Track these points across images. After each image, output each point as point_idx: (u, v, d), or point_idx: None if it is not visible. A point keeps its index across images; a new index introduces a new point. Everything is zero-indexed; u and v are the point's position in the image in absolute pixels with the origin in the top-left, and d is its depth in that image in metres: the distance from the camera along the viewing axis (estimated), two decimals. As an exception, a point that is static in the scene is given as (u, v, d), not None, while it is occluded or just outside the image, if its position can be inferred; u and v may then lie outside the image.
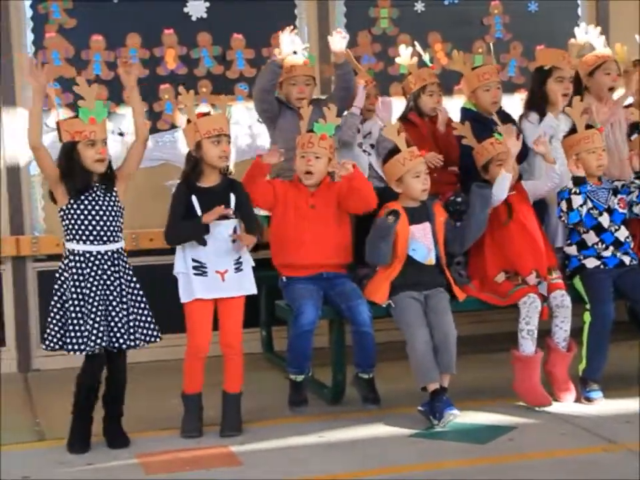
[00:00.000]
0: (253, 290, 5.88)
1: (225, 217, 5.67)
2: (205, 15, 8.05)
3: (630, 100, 7.41)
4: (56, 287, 5.54)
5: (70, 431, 5.59)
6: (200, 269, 5.72)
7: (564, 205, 6.41)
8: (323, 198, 6.17)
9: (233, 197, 5.80)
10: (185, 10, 8.01)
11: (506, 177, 6.27)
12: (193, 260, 5.72)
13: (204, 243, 5.64)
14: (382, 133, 6.87)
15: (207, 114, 5.99)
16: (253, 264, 5.91)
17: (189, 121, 5.89)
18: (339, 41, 6.87)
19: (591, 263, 6.49)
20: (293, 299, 6.08)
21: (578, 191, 6.35)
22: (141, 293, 5.65)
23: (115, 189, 5.57)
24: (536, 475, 5.02)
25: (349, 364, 6.25)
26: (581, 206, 6.34)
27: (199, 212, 5.68)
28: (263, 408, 6.21)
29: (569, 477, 4.96)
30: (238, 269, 5.78)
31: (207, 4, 8.04)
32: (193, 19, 8.05)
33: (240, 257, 5.79)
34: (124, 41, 7.89)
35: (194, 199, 5.73)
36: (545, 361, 6.35)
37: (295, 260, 6.13)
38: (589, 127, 6.56)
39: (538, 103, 6.97)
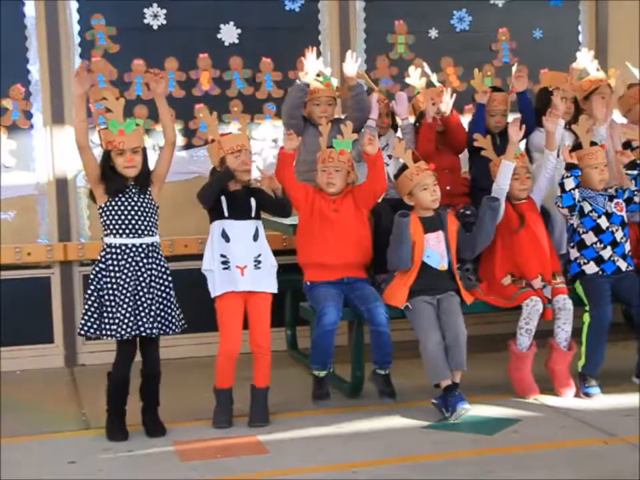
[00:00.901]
0: (272, 289, 5.91)
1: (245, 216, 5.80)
2: (236, 41, 8.05)
3: (624, 120, 7.39)
4: (92, 277, 5.58)
5: (107, 421, 5.63)
6: (226, 263, 5.75)
7: (558, 190, 6.41)
8: (344, 203, 6.18)
9: (253, 201, 5.87)
10: (219, 36, 8.02)
11: (507, 164, 6.29)
12: (221, 255, 5.76)
13: (231, 176, 5.75)
14: (401, 125, 6.97)
15: (229, 133, 6.05)
16: (275, 264, 5.94)
17: (212, 140, 5.95)
18: (351, 65, 6.88)
19: (591, 269, 6.47)
20: (316, 301, 6.07)
21: (569, 175, 6.35)
22: (170, 285, 5.66)
23: (149, 189, 5.62)
24: (539, 464, 5.01)
25: (367, 361, 6.24)
26: (573, 189, 6.33)
27: (225, 212, 5.78)
28: (288, 401, 6.20)
29: (570, 467, 4.94)
30: (257, 266, 5.81)
31: (239, 30, 8.04)
32: (226, 44, 8.05)
33: (260, 255, 5.82)
34: (163, 64, 7.85)
35: (223, 198, 5.78)
36: (547, 359, 6.36)
37: (320, 259, 6.12)
38: (592, 143, 6.55)
39: (542, 122, 6.93)
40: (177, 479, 4.93)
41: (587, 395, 6.26)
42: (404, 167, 6.21)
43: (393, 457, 5.20)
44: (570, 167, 6.40)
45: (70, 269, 7.72)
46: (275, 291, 5.93)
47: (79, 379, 7.25)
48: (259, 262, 5.82)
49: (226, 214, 5.79)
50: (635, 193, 6.53)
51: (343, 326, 6.34)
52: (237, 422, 5.83)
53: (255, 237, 5.85)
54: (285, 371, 6.76)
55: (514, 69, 7.40)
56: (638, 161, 6.52)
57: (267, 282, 5.86)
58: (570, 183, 6.35)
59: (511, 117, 6.99)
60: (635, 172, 6.50)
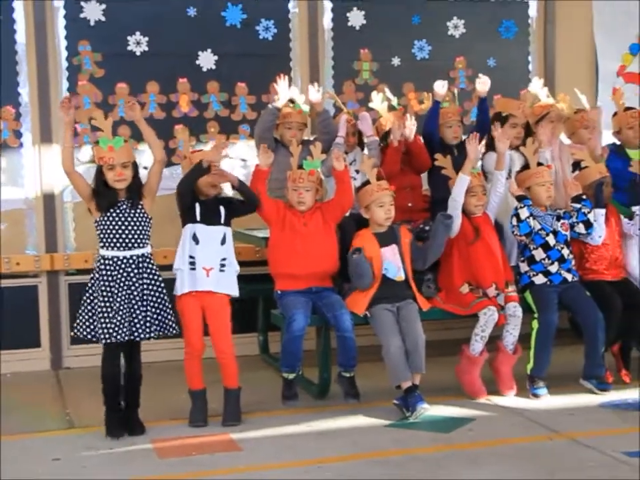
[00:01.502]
0: (234, 292, 5.95)
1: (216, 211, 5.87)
2: (213, 67, 8.09)
3: (569, 141, 7.47)
4: (88, 285, 5.65)
5: (105, 420, 5.64)
6: (193, 264, 5.80)
7: (514, 220, 6.46)
8: (313, 218, 6.21)
9: (222, 209, 5.93)
10: (197, 62, 8.05)
11: (464, 178, 6.34)
12: (190, 256, 5.81)
13: (205, 171, 5.80)
14: (367, 142, 6.97)
15: (199, 151, 6.14)
16: (238, 269, 5.99)
17: (185, 157, 6.04)
18: (314, 93, 6.94)
19: (539, 279, 6.52)
20: (286, 308, 6.10)
21: (522, 205, 6.41)
22: (164, 292, 5.72)
23: (142, 202, 5.67)
24: (491, 460, 5.05)
25: (333, 364, 6.26)
26: (528, 217, 6.40)
27: (197, 216, 5.85)
28: (259, 401, 6.21)
29: (519, 462, 4.99)
30: (221, 269, 5.85)
31: (216, 57, 8.08)
32: (204, 69, 8.08)
33: (225, 259, 5.87)
34: (145, 88, 7.92)
35: (196, 205, 5.87)
36: (494, 359, 6.43)
37: (289, 269, 6.15)
38: (539, 164, 6.62)
39: (492, 144, 6.97)
40: (154, 475, 4.92)
41: (535, 395, 6.31)
42: (367, 182, 6.25)
43: (357, 453, 5.23)
44: (520, 199, 6.48)
45: (56, 278, 7.73)
46: (236, 294, 5.97)
47: (63, 381, 7.24)
48: (224, 265, 5.87)
49: (198, 218, 5.85)
50: (575, 223, 6.60)
51: (311, 332, 6.35)
52: (212, 421, 5.84)
53: (222, 242, 5.90)
54: (257, 374, 6.78)
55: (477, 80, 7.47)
56: (584, 196, 6.56)
57: (228, 285, 5.91)
58: (524, 212, 6.41)
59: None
60: (578, 205, 6.54)
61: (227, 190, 6.16)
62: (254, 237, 6.76)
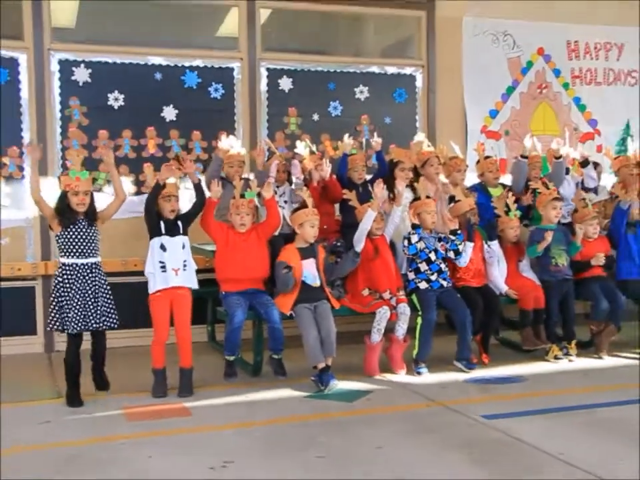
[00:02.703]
0: (195, 285, 5.99)
1: (175, 226, 5.91)
2: (175, 118, 8.08)
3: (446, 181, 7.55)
4: (52, 287, 5.65)
5: (66, 393, 5.65)
6: (164, 267, 5.83)
7: (406, 242, 6.54)
8: (251, 235, 6.22)
9: (179, 223, 5.99)
10: (162, 114, 8.05)
11: (371, 213, 6.37)
12: (160, 262, 5.84)
13: (162, 187, 5.91)
14: (295, 192, 6.95)
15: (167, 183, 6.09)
16: (195, 267, 6.02)
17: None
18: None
19: (423, 285, 6.58)
20: (228, 306, 6.09)
21: (414, 232, 6.51)
22: (110, 293, 5.69)
23: (96, 223, 5.67)
24: (385, 422, 5.10)
25: (265, 349, 6.30)
26: (417, 242, 6.49)
27: (163, 231, 5.89)
28: (207, 378, 6.18)
29: (405, 422, 5.07)
30: (184, 268, 5.90)
31: (177, 111, 8.08)
32: (167, 120, 8.07)
33: (186, 260, 5.92)
34: (121, 134, 7.91)
35: (161, 222, 5.91)
36: (388, 347, 6.47)
37: (232, 275, 6.15)
38: (427, 197, 6.71)
39: (391, 185, 7.05)
40: (124, 433, 4.91)
41: (419, 373, 6.37)
42: (304, 206, 6.27)
43: (283, 417, 5.25)
44: (414, 227, 6.57)
45: (49, 280, 7.53)
46: (197, 286, 5.99)
47: (54, 362, 7.14)
48: (186, 265, 5.91)
49: (163, 232, 5.88)
50: (449, 249, 6.67)
51: (248, 324, 6.35)
52: (170, 393, 5.84)
53: (183, 247, 5.94)
54: (206, 357, 6.76)
55: (375, 136, 7.57)
56: (458, 231, 6.65)
57: (191, 279, 5.95)
58: (414, 238, 6.52)
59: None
60: (453, 237, 6.64)
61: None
62: (204, 250, 6.74)
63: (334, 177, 7.10)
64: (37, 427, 5.09)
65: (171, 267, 5.85)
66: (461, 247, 6.63)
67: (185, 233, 6.00)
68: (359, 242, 6.40)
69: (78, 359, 5.62)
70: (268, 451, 4.53)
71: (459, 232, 6.64)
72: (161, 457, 4.45)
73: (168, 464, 4.34)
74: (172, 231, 5.92)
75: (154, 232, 5.93)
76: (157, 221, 5.91)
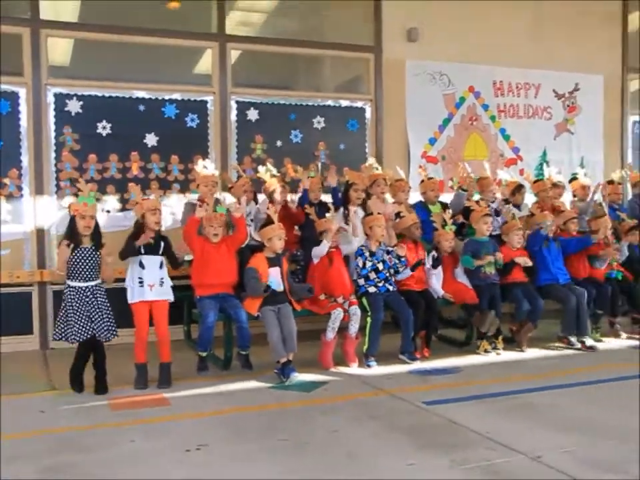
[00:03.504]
0: (171, 298, 5.90)
1: (150, 245, 5.81)
2: (156, 144, 8.01)
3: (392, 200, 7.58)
4: (62, 304, 5.55)
5: (71, 378, 5.61)
6: (141, 283, 5.75)
7: (360, 263, 6.59)
8: (222, 246, 6.15)
9: (162, 244, 5.89)
10: (145, 141, 7.97)
11: (325, 244, 6.40)
12: (138, 277, 5.77)
13: (137, 253, 5.77)
14: (260, 212, 6.89)
15: (148, 199, 6.03)
16: (171, 283, 5.93)
17: (136, 203, 5.95)
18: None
19: (372, 290, 6.56)
20: (202, 308, 6.03)
21: (361, 257, 6.61)
22: (109, 309, 5.63)
23: (100, 250, 5.59)
24: (340, 409, 5.07)
25: (234, 346, 6.22)
26: (365, 262, 6.54)
27: (142, 250, 5.79)
28: (183, 372, 6.10)
29: (357, 408, 5.04)
30: (161, 285, 5.82)
31: (157, 138, 8.00)
32: (149, 146, 7.99)
33: (163, 278, 5.84)
34: (108, 158, 7.82)
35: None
36: (343, 344, 6.43)
37: (205, 281, 6.08)
38: (379, 213, 6.71)
39: (345, 203, 7.05)
40: (109, 422, 4.84)
41: (369, 366, 6.34)
42: (270, 222, 6.21)
43: (249, 406, 5.18)
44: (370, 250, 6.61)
45: (44, 287, 7.59)
46: (172, 299, 5.90)
47: (49, 358, 7.06)
48: (163, 282, 5.83)
49: (142, 251, 5.79)
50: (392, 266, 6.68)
51: (219, 324, 6.28)
52: (150, 385, 5.76)
53: (160, 266, 5.85)
54: (182, 353, 6.64)
55: (331, 170, 7.55)
56: (402, 257, 6.65)
57: (167, 293, 5.87)
58: (366, 253, 6.58)
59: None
60: (397, 261, 6.63)
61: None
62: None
63: (299, 207, 7.11)
64: (32, 416, 4.99)
65: (148, 282, 5.77)
66: (401, 269, 6.65)
67: (163, 254, 5.90)
68: (315, 258, 6.47)
69: (87, 356, 5.62)
70: (237, 436, 4.49)
71: (402, 258, 6.65)
72: (142, 441, 4.39)
73: (148, 447, 4.29)
74: (151, 250, 5.83)
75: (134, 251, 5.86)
76: (131, 255, 5.83)
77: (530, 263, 7.11)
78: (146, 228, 5.84)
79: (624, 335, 7.59)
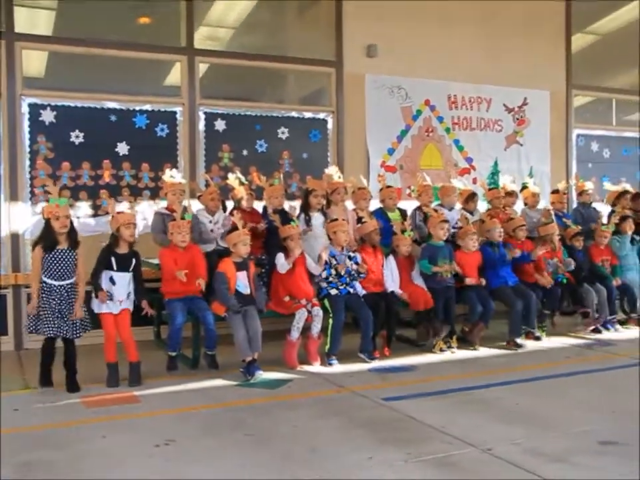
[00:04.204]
0: (131, 307, 5.85)
1: (125, 270, 5.79)
2: (127, 153, 7.94)
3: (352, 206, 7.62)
4: (37, 299, 5.47)
5: (40, 375, 5.59)
6: (111, 297, 5.74)
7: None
8: (187, 252, 6.14)
9: (134, 260, 5.84)
10: (116, 149, 7.89)
11: (285, 266, 6.40)
12: (108, 292, 5.72)
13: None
14: (225, 226, 6.84)
15: (123, 212, 5.99)
16: (134, 298, 5.88)
17: (112, 216, 5.90)
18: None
19: (333, 292, 6.57)
20: (171, 310, 6.02)
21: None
22: (82, 306, 5.59)
23: (76, 250, 5.56)
24: (303, 405, 5.11)
25: (202, 346, 6.21)
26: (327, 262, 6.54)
27: (114, 266, 5.75)
28: (153, 371, 6.06)
29: (319, 405, 5.08)
30: (127, 298, 5.80)
31: (129, 147, 7.93)
32: (120, 154, 7.92)
33: (130, 292, 5.81)
34: (81, 165, 7.74)
35: (112, 259, 5.76)
36: (305, 343, 6.43)
37: (175, 286, 6.04)
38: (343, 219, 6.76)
39: (306, 208, 7.08)
40: (82, 418, 4.81)
41: (330, 364, 6.35)
42: (235, 228, 6.20)
43: (216, 403, 5.20)
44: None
45: (19, 289, 7.47)
46: (132, 308, 5.86)
47: (23, 358, 6.97)
48: (129, 295, 5.80)
49: (115, 268, 5.76)
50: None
51: (188, 326, 6.27)
52: (122, 383, 5.72)
53: (129, 283, 5.81)
54: (152, 352, 6.60)
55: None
56: (362, 274, 6.73)
57: (130, 304, 5.83)
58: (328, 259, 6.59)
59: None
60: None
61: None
62: (151, 263, 6.61)
63: (258, 214, 7.16)
64: (6, 414, 4.92)
65: (117, 298, 5.75)
66: (359, 277, 6.69)
67: (132, 270, 5.84)
68: (280, 268, 6.44)
69: (53, 353, 5.58)
70: (204, 431, 4.49)
71: (362, 273, 6.69)
72: (114, 437, 4.38)
73: (119, 442, 4.28)
74: (123, 267, 5.78)
75: (106, 266, 5.79)
76: (109, 257, 5.77)
77: (474, 282, 7.20)
78: (120, 241, 5.80)
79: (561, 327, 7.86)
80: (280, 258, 6.46)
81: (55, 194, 5.58)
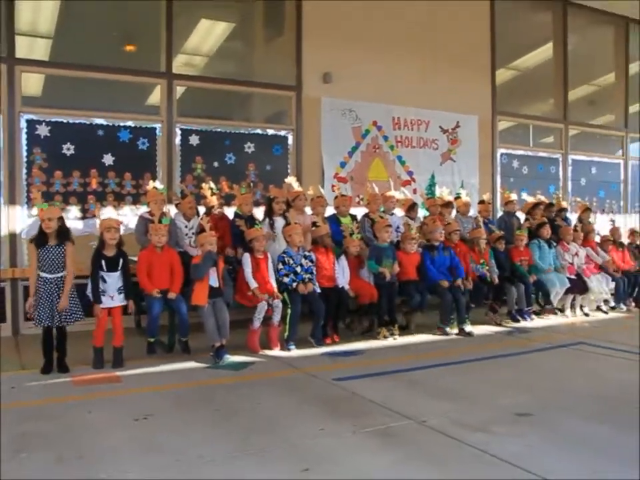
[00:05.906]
0: (124, 303, 5.77)
1: (114, 270, 5.73)
2: (112, 163, 7.89)
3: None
4: (35, 292, 5.45)
5: (44, 363, 5.51)
6: (104, 293, 5.70)
7: (280, 265, 6.59)
8: (164, 253, 6.12)
9: (121, 261, 5.79)
10: (102, 160, 7.84)
11: (252, 283, 6.39)
12: (101, 290, 5.69)
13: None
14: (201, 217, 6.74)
15: (107, 218, 5.94)
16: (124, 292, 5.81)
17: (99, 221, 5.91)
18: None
19: (292, 287, 6.57)
20: (149, 302, 5.99)
21: (284, 254, 6.60)
22: (74, 296, 5.55)
23: (65, 245, 5.50)
24: (263, 384, 5.10)
25: (177, 333, 6.23)
26: (285, 262, 6.56)
27: (104, 267, 5.70)
28: (134, 354, 6.01)
29: (278, 385, 5.08)
30: (119, 293, 5.74)
31: (114, 157, 7.89)
32: (106, 164, 7.87)
33: (120, 287, 5.74)
34: (71, 174, 7.68)
35: (102, 261, 5.71)
36: (267, 331, 6.45)
37: (152, 283, 5.99)
38: (296, 223, 6.79)
39: (270, 214, 7.10)
40: (72, 395, 4.79)
41: (289, 349, 6.37)
42: (203, 231, 6.19)
43: (188, 382, 5.20)
44: (284, 251, 6.65)
45: (16, 282, 7.41)
46: (125, 303, 5.79)
47: (20, 343, 6.88)
48: (120, 291, 5.74)
49: (105, 269, 5.71)
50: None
51: (165, 315, 6.26)
52: (106, 365, 5.69)
53: (118, 280, 5.75)
54: (133, 338, 6.53)
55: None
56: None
57: (121, 300, 5.76)
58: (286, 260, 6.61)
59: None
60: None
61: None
62: (132, 260, 6.53)
63: (226, 217, 7.16)
64: (5, 391, 4.88)
65: (109, 294, 5.71)
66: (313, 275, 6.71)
67: (120, 269, 5.77)
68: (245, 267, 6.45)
69: (52, 340, 5.52)
70: (178, 407, 4.50)
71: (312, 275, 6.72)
72: (98, 412, 4.37)
73: (103, 416, 4.28)
74: (112, 267, 5.73)
75: (97, 266, 5.74)
76: (100, 260, 5.72)
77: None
78: (105, 243, 5.75)
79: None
80: (246, 257, 6.48)
81: (38, 199, 5.60)
